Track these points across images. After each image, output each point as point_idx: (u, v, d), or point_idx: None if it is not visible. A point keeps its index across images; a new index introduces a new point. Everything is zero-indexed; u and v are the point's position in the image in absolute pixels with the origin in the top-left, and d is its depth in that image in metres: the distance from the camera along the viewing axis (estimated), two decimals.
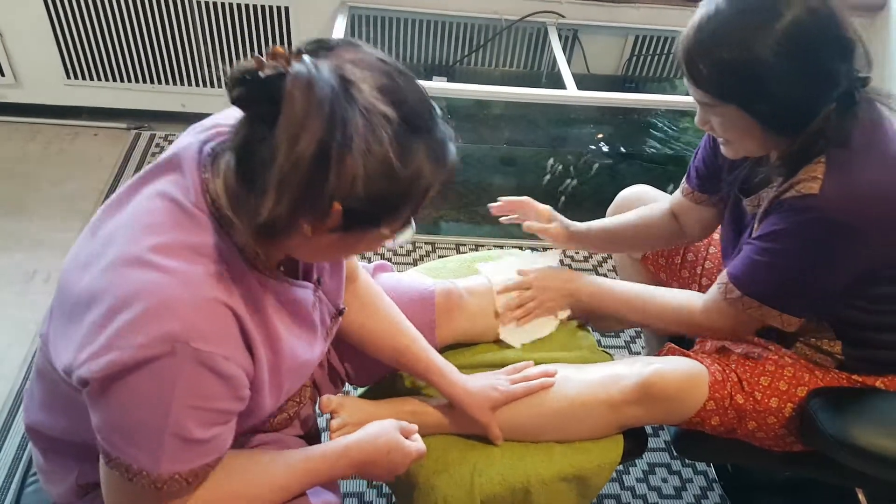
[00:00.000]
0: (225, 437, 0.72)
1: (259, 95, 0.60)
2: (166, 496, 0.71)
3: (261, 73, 0.60)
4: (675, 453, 1.59)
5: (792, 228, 0.95)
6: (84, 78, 2.22)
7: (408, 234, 0.74)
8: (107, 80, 2.23)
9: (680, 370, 1.04)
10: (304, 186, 0.60)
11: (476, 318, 1.17)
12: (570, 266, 2.08)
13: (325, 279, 0.88)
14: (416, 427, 0.92)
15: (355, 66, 0.63)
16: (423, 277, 1.17)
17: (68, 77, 2.22)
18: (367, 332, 1.02)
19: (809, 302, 1.00)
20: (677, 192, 1.27)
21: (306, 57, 0.60)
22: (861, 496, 1.44)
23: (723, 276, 1.05)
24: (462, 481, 0.99)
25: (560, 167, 2.08)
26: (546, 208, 1.30)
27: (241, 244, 0.70)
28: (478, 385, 1.04)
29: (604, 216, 1.36)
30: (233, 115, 0.67)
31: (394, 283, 1.14)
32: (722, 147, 1.03)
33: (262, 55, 0.61)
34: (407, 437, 0.91)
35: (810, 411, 1.01)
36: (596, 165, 2.04)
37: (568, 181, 2.10)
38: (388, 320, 1.03)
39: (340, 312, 0.93)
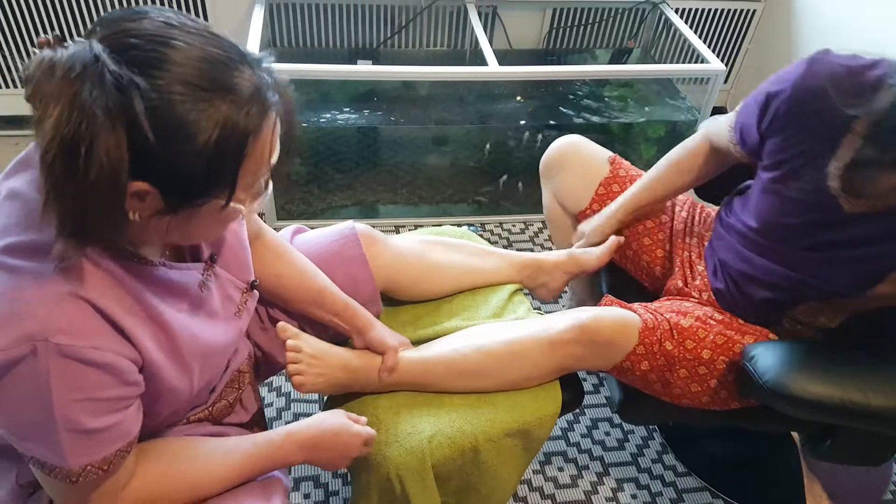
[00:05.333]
0: (129, 422, 0.72)
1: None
2: (88, 487, 0.71)
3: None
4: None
5: None
6: None
7: (263, 198, 0.74)
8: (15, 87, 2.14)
9: (615, 316, 1.13)
10: (65, 175, 0.58)
11: (403, 253, 1.19)
12: (507, 238, 2.14)
13: (226, 255, 0.87)
14: (364, 419, 0.97)
15: (128, 36, 0.60)
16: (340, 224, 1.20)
17: None
18: (285, 280, 1.04)
19: None
20: (724, 131, 1.19)
21: (72, 41, 0.59)
22: (794, 436, 1.55)
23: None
24: (413, 449, 1.02)
25: (507, 140, 2.11)
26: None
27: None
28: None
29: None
30: None
31: (314, 235, 1.17)
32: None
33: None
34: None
35: (746, 364, 1.06)
36: (540, 137, 2.09)
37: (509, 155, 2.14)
38: (303, 267, 1.06)
39: (253, 286, 0.92)
